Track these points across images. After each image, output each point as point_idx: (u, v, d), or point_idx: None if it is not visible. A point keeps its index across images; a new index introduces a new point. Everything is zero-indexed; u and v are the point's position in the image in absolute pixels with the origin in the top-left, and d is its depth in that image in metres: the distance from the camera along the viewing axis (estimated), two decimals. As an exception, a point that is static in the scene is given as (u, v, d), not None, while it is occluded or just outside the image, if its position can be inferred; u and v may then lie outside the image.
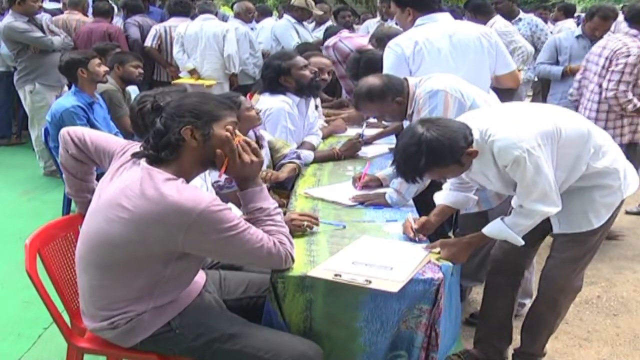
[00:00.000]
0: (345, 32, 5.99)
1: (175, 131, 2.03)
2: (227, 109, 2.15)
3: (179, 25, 7.08)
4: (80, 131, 2.44)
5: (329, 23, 7.60)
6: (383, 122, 4.58)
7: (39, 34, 6.17)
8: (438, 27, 3.51)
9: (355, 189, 3.27)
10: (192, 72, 6.92)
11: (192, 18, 7.53)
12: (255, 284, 2.51)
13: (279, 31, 7.26)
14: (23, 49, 6.23)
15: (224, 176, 2.84)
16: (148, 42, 7.12)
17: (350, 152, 3.96)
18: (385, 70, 3.49)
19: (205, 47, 6.86)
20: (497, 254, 2.91)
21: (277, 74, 3.87)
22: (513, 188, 2.51)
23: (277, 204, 2.26)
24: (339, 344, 2.33)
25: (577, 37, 5.29)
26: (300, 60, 3.97)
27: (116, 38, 6.76)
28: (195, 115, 2.06)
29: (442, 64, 3.42)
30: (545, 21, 9.12)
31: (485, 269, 3.54)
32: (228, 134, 2.10)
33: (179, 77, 6.99)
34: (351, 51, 5.43)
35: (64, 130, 2.47)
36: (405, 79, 3.16)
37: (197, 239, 1.98)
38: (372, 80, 3.11)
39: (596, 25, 5.16)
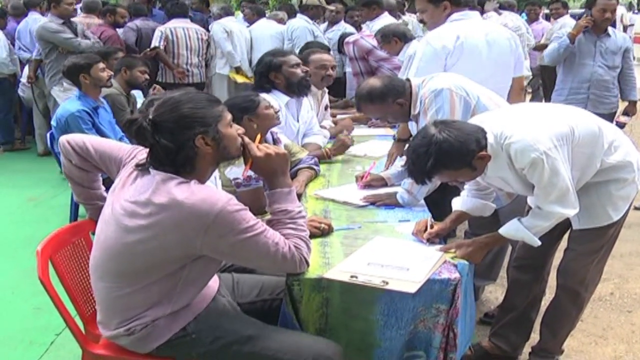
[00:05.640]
0: (367, 31, 6.13)
1: (190, 144, 2.00)
2: (217, 104, 2.09)
3: (223, 21, 7.52)
4: (80, 139, 2.39)
5: (342, 23, 7.58)
6: (387, 122, 4.61)
7: (69, 35, 6.43)
8: (473, 24, 3.55)
9: (358, 188, 3.27)
10: (238, 70, 7.40)
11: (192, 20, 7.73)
12: (269, 286, 2.49)
13: (297, 32, 7.27)
14: (52, 49, 6.53)
15: (244, 173, 2.82)
16: (155, 43, 7.16)
17: (339, 151, 3.92)
18: (417, 62, 3.51)
19: (248, 47, 7.54)
20: (520, 250, 2.91)
21: (267, 70, 3.88)
22: (534, 190, 2.49)
23: (302, 208, 2.24)
24: (357, 335, 2.31)
25: (584, 32, 5.23)
26: (292, 58, 3.97)
27: (111, 43, 6.82)
28: (203, 122, 2.01)
29: (477, 61, 3.46)
30: (536, 18, 9.06)
31: (497, 268, 3.55)
32: (255, 145, 2.19)
33: (235, 73, 7.53)
34: (373, 47, 5.62)
35: (62, 140, 2.41)
36: (408, 80, 3.17)
37: (215, 240, 1.96)
38: (372, 81, 3.14)
39: (604, 6, 5.02)
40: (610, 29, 5.23)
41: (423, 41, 3.61)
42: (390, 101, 3.07)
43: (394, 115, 3.18)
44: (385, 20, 6.53)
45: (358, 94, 3.16)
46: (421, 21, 4.20)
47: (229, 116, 2.11)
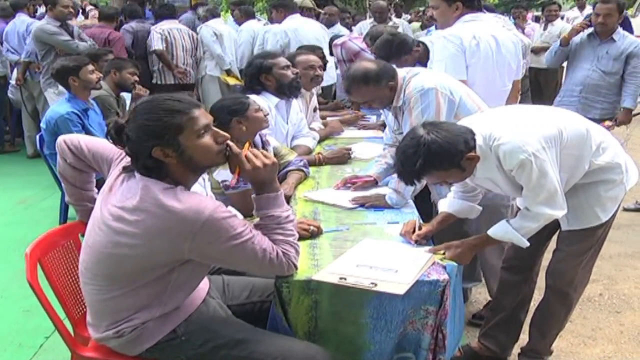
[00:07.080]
0: (355, 34, 6.17)
1: (145, 155, 1.96)
2: (180, 114, 1.96)
3: (212, 24, 7.50)
4: (76, 138, 2.41)
5: (337, 26, 7.57)
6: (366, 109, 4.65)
7: (67, 37, 6.43)
8: (484, 26, 3.57)
9: (338, 188, 3.29)
10: (228, 72, 7.41)
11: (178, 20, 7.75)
12: (259, 288, 2.49)
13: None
14: (49, 51, 6.52)
15: (233, 181, 2.82)
16: (158, 46, 7.15)
17: (335, 161, 3.89)
18: (441, 60, 3.50)
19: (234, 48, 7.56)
20: (509, 251, 2.93)
21: (258, 72, 3.89)
22: (522, 191, 2.50)
23: (290, 211, 2.21)
24: (346, 339, 2.32)
25: (589, 35, 5.21)
26: (282, 60, 3.99)
27: (115, 45, 6.80)
28: (155, 134, 1.94)
29: (490, 62, 3.51)
30: (524, 20, 9.12)
31: (477, 268, 3.55)
32: (244, 153, 2.10)
33: (226, 76, 7.52)
34: (361, 49, 5.65)
35: (60, 139, 2.43)
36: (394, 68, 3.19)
37: (203, 247, 1.96)
38: (367, 64, 3.15)
39: (598, 10, 4.99)
40: (620, 34, 5.07)
41: (439, 39, 3.57)
42: (384, 84, 3.07)
43: (382, 99, 3.15)
44: (297, 20, 6.73)
45: (352, 75, 3.11)
46: (431, 17, 4.20)
47: (197, 125, 1.98)
